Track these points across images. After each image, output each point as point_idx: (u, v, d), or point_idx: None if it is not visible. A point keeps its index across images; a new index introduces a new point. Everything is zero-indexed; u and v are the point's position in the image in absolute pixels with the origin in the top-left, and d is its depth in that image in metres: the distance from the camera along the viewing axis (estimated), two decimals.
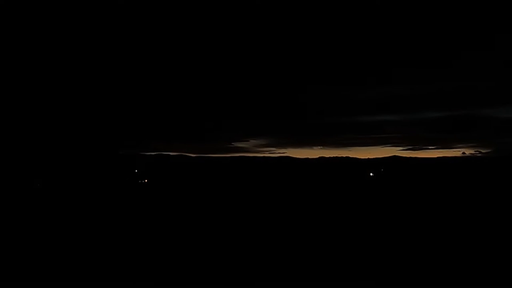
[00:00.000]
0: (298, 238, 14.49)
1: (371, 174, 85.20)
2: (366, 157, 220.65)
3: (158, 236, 14.94)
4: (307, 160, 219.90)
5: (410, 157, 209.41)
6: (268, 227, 16.87)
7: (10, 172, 71.25)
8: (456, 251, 12.27)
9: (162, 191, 42.94)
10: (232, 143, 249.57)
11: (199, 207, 25.55)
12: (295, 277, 9.97)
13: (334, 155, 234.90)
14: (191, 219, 19.73)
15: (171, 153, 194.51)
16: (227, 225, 17.64)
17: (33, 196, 36.09)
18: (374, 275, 10.01)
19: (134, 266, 10.86)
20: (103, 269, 10.60)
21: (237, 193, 37.86)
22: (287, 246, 13.09)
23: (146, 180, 70.52)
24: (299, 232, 15.79)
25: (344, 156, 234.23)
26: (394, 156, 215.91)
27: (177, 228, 16.73)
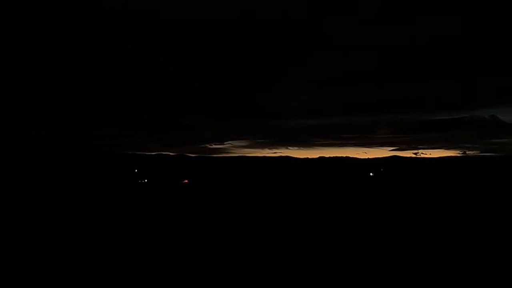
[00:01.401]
0: (300, 238, 14.54)
1: (371, 174, 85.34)
2: (366, 157, 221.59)
3: (158, 236, 14.99)
4: (307, 159, 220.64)
5: (410, 157, 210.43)
6: (269, 227, 16.92)
7: (11, 172, 71.21)
8: (456, 251, 12.34)
9: (161, 191, 42.97)
10: (207, 145, 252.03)
11: (199, 207, 25.58)
12: (295, 277, 10.03)
13: (334, 155, 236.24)
14: (191, 218, 19.77)
15: (170, 153, 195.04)
16: (228, 225, 17.68)
17: (33, 195, 36.13)
18: (374, 275, 10.08)
19: (134, 266, 10.93)
20: (103, 269, 10.67)
21: (238, 192, 37.86)
22: (288, 246, 13.15)
23: (146, 180, 70.56)
24: (301, 231, 15.84)
25: (344, 156, 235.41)
26: (394, 156, 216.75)
27: (177, 228, 16.77)
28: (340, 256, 11.80)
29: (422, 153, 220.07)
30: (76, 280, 9.78)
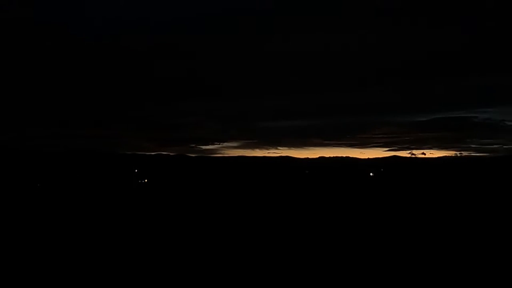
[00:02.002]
0: (300, 238, 14.49)
1: (371, 174, 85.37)
2: (366, 157, 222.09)
3: (158, 236, 14.93)
4: (307, 159, 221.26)
5: (410, 157, 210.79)
6: (269, 227, 16.87)
7: (10, 172, 71.15)
8: (456, 251, 12.29)
9: (161, 191, 42.90)
10: (196, 145, 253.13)
11: (200, 207, 25.52)
12: (295, 277, 9.97)
13: (334, 155, 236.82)
14: (192, 218, 19.71)
15: (170, 153, 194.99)
16: (228, 225, 17.62)
17: (34, 196, 36.06)
18: (374, 275, 10.02)
19: (134, 266, 10.87)
20: (103, 269, 10.60)
21: (238, 192, 37.81)
22: (288, 246, 13.10)
23: (146, 180, 70.39)
24: (301, 231, 15.80)
25: (344, 156, 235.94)
26: (394, 156, 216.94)
27: (177, 228, 16.72)
28: (342, 256, 11.75)
29: (416, 154, 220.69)
30: (77, 280, 9.71)
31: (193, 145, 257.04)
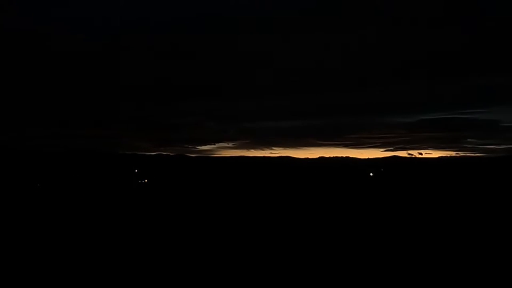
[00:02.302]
0: (299, 238, 14.46)
1: (371, 174, 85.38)
2: (366, 157, 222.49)
3: (158, 236, 14.90)
4: (307, 159, 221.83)
5: (410, 157, 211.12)
6: (270, 227, 16.84)
7: (11, 172, 71.13)
8: (456, 251, 12.27)
9: (161, 191, 42.86)
10: (194, 146, 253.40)
11: (200, 207, 25.49)
12: (295, 277, 9.94)
13: (334, 155, 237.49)
14: (192, 218, 19.68)
15: (171, 153, 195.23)
16: (227, 225, 17.59)
17: (33, 196, 36.04)
18: (374, 275, 10.00)
19: (134, 266, 10.84)
20: (103, 269, 10.58)
21: (238, 192, 37.80)
22: (288, 246, 13.07)
23: (146, 180, 70.32)
24: (300, 231, 15.76)
25: (344, 156, 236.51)
26: (394, 156, 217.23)
27: (178, 228, 16.69)
28: (342, 256, 11.72)
29: (413, 154, 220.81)
30: (77, 280, 9.68)
31: (187, 145, 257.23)
